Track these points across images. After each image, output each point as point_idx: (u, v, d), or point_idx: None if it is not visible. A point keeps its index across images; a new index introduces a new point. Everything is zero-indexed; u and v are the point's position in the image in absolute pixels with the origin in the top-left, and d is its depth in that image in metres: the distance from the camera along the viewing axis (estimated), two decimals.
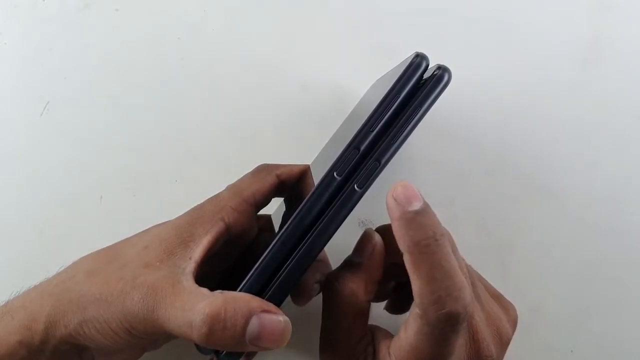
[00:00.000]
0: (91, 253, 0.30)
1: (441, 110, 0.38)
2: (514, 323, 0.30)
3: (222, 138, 0.39)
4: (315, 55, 0.40)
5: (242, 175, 0.32)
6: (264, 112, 0.40)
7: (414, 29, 0.40)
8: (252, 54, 0.40)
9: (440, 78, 0.26)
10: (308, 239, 0.26)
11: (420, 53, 0.26)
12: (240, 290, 0.26)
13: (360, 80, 0.38)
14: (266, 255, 0.26)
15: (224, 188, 0.31)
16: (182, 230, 0.28)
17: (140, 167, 0.39)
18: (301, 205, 0.26)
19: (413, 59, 0.26)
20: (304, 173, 0.32)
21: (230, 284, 0.27)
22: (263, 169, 0.32)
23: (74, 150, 0.39)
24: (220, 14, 0.41)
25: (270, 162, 0.33)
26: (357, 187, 0.26)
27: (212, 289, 0.26)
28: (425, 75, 0.27)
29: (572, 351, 0.38)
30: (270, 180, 0.31)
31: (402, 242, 0.25)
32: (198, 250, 0.28)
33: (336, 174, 0.26)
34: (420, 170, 0.39)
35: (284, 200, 0.34)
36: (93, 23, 0.40)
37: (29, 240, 0.38)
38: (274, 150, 0.39)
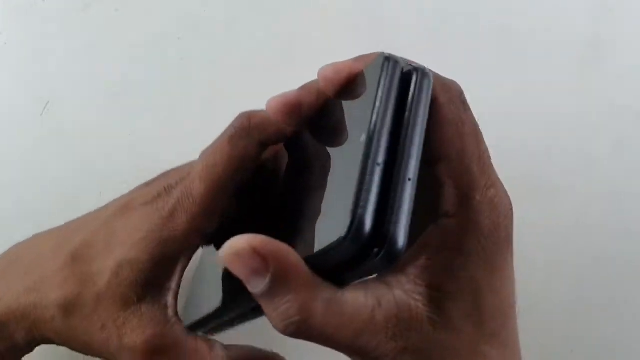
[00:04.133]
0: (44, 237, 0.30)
1: None
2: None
3: None
4: (315, 55, 0.40)
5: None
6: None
7: (414, 29, 0.40)
8: (252, 54, 0.40)
9: (423, 87, 0.22)
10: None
11: (389, 56, 0.22)
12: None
13: None
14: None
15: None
16: (150, 247, 0.24)
17: (140, 167, 0.39)
18: None
19: (384, 64, 0.22)
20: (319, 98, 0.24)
21: (236, 228, 0.22)
22: (242, 131, 0.25)
23: (74, 150, 0.39)
24: (220, 14, 0.41)
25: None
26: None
27: (213, 236, 0.24)
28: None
29: (572, 351, 0.38)
30: (252, 150, 0.24)
31: None
32: (175, 278, 0.25)
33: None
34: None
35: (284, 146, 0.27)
36: (93, 23, 0.40)
37: None
38: None
